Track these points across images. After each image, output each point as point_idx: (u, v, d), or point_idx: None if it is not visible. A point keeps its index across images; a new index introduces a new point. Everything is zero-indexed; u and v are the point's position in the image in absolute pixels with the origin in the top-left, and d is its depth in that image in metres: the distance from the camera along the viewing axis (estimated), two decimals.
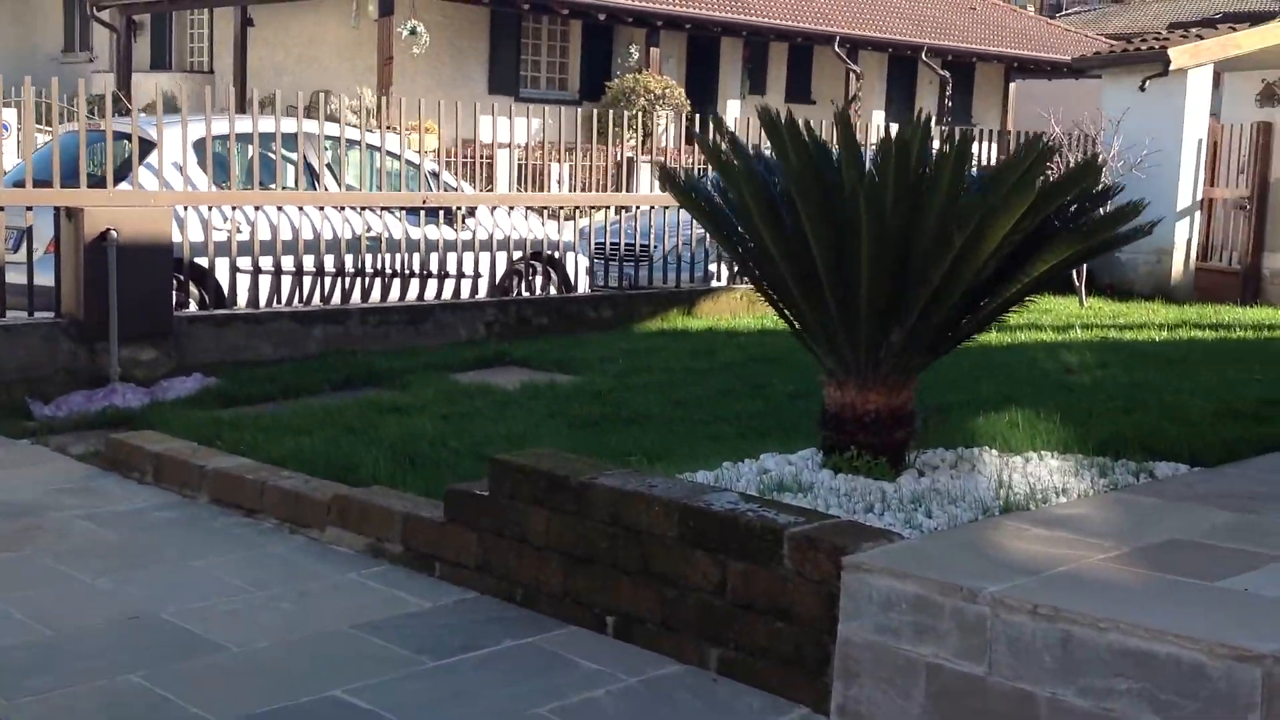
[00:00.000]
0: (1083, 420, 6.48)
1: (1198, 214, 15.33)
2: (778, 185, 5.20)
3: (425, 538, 5.70)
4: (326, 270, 10.14)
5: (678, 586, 4.83)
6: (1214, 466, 5.67)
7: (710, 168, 5.67)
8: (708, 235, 12.59)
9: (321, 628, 5.03)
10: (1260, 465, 5.73)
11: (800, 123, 5.17)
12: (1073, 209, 5.27)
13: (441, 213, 10.83)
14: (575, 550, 5.15)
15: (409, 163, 10.64)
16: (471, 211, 11.05)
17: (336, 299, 10.24)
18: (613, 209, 12.55)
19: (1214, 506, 4.98)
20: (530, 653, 4.85)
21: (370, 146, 10.72)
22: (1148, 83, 14.28)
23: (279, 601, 5.29)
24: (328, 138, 10.53)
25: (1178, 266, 15.02)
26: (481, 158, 13.81)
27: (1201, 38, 14.22)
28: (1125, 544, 4.46)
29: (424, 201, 10.56)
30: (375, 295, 10.41)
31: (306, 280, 10.07)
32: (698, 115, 13.51)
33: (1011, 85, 36.53)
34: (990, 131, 14.95)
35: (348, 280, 10.25)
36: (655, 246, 12.58)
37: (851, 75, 30.98)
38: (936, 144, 5.07)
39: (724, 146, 5.40)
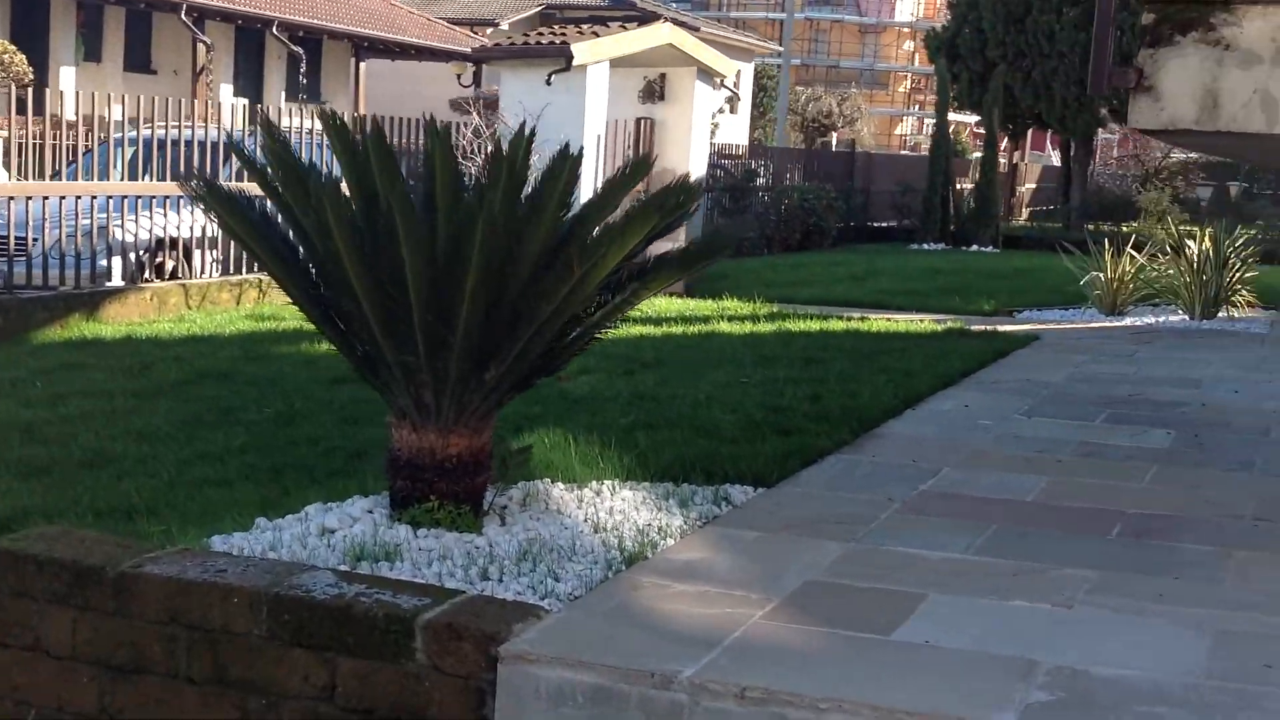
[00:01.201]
0: (619, 438, 6.21)
1: None
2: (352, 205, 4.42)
3: None
4: None
5: (268, 694, 3.97)
6: (775, 486, 5.59)
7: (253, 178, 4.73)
8: (113, 227, 11.27)
9: None
10: (812, 481, 5.74)
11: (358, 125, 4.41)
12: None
13: None
14: (117, 659, 4.12)
15: None
16: None
17: None
18: None
19: (815, 535, 4.86)
20: None
21: None
22: (553, 77, 14.42)
23: None
24: None
25: None
26: None
27: (598, 35, 14.57)
28: (770, 593, 4.20)
29: None
30: None
31: None
32: (44, 87, 11.89)
33: (362, 65, 36.28)
34: (404, 120, 14.36)
35: None
36: (36, 239, 10.89)
37: (200, 46, 29.19)
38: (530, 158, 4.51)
39: (275, 153, 4.51)
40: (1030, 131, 39.71)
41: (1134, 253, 12.92)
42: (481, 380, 4.70)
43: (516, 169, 4.40)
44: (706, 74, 17.06)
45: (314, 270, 4.72)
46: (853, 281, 15.74)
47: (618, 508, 5.18)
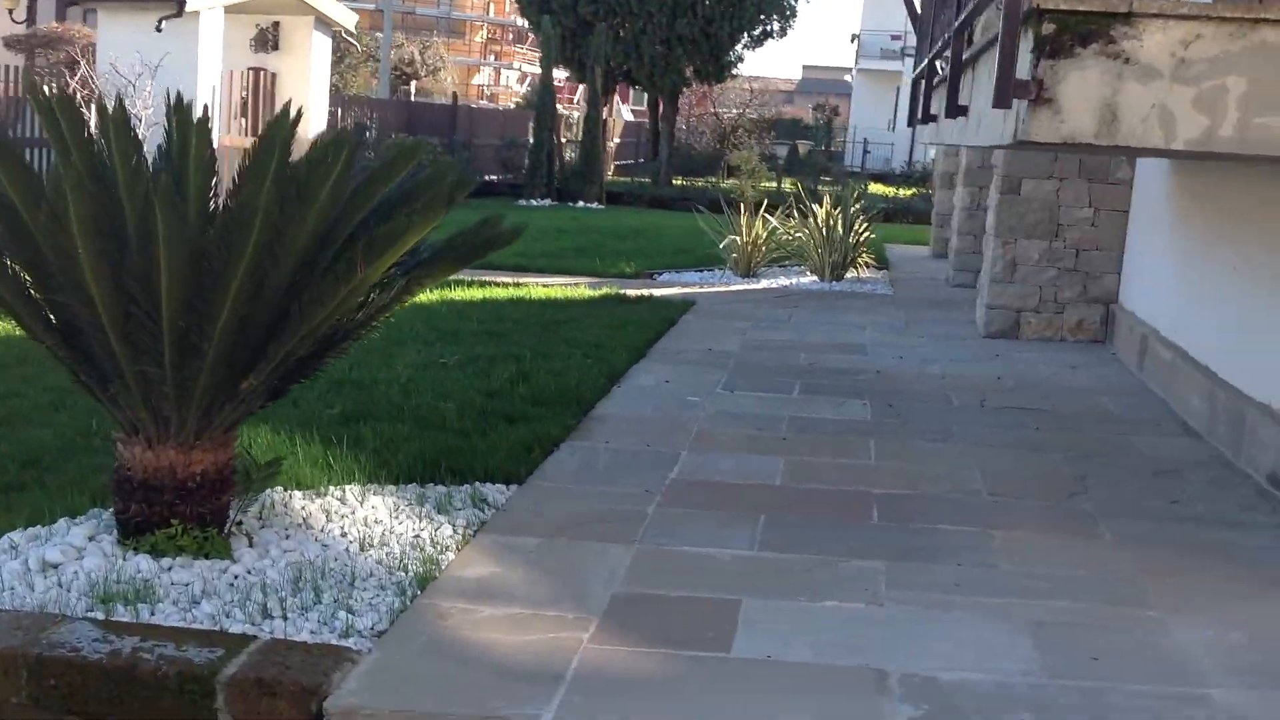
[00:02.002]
0: (338, 433, 5.76)
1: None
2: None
3: None
4: None
5: None
6: (526, 482, 5.33)
7: None
8: None
9: None
10: (559, 474, 5.51)
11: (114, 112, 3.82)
12: None
13: None
14: None
15: None
16: None
17: None
18: None
19: (594, 538, 4.66)
20: None
21: None
22: (164, 23, 13.29)
23: None
24: None
25: None
26: None
27: None
28: (584, 610, 3.98)
29: None
30: None
31: None
32: None
33: None
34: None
35: None
36: None
37: None
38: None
39: None
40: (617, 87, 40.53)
41: (768, 215, 13.36)
42: (235, 390, 4.19)
43: (287, 153, 3.91)
44: (324, 23, 16.29)
45: (22, 268, 4.04)
46: None
47: (373, 517, 4.77)
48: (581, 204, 24.53)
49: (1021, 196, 9.47)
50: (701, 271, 13.53)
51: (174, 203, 3.68)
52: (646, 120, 41.33)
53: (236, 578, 4.11)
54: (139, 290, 3.86)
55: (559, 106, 46.63)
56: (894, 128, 52.43)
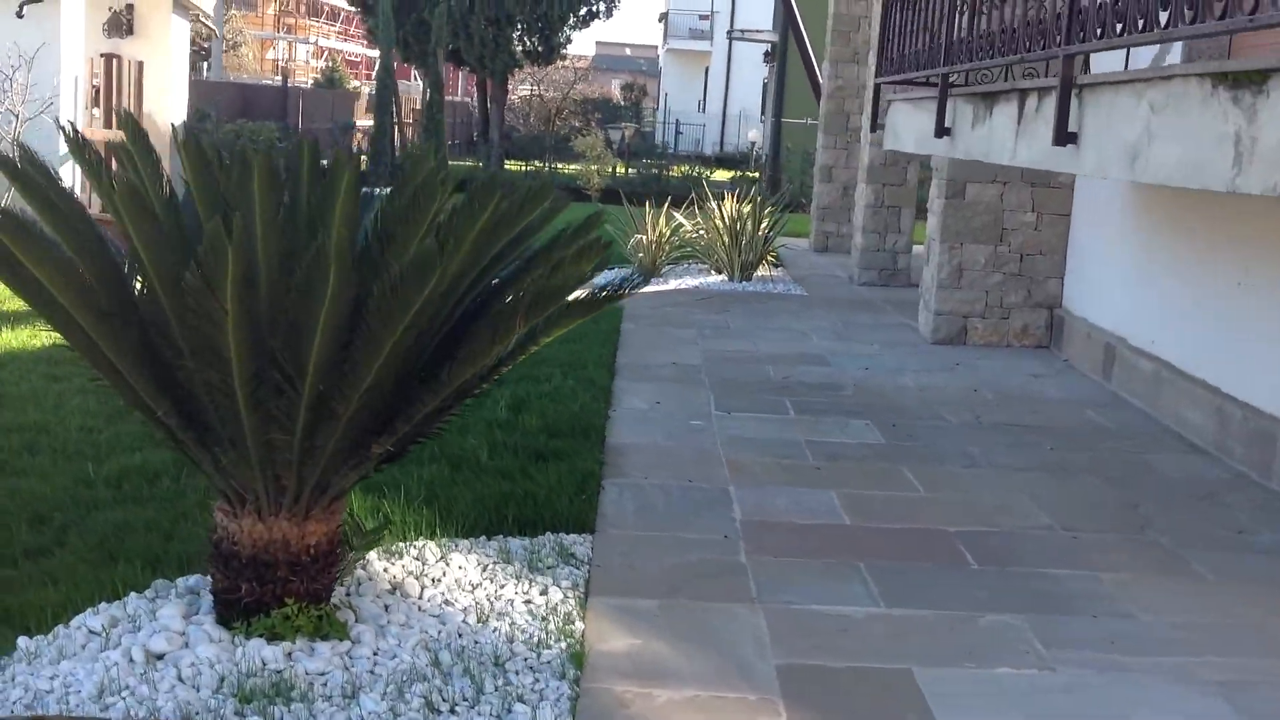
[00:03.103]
0: (377, 478, 5.34)
1: None
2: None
3: None
4: None
5: None
6: (597, 530, 5.03)
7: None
8: None
9: None
10: (622, 519, 5.21)
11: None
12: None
13: None
14: None
15: None
16: None
17: None
18: None
19: (708, 598, 4.40)
20: None
21: None
22: (25, 9, 12.29)
23: None
24: None
25: None
26: None
27: None
28: (760, 689, 3.74)
29: None
30: None
31: None
32: None
33: None
34: None
35: None
36: None
37: None
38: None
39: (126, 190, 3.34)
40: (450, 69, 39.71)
41: (674, 212, 13.14)
42: (359, 455, 3.79)
43: (444, 198, 3.54)
44: (182, 5, 15.39)
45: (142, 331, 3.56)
46: None
47: (467, 580, 4.42)
48: None
49: (966, 200, 9.48)
50: (604, 271, 13.20)
51: (347, 261, 3.27)
52: (457, 99, 40.61)
53: (376, 662, 3.73)
54: (283, 352, 3.43)
55: (355, 83, 45.38)
56: (704, 109, 52.79)
